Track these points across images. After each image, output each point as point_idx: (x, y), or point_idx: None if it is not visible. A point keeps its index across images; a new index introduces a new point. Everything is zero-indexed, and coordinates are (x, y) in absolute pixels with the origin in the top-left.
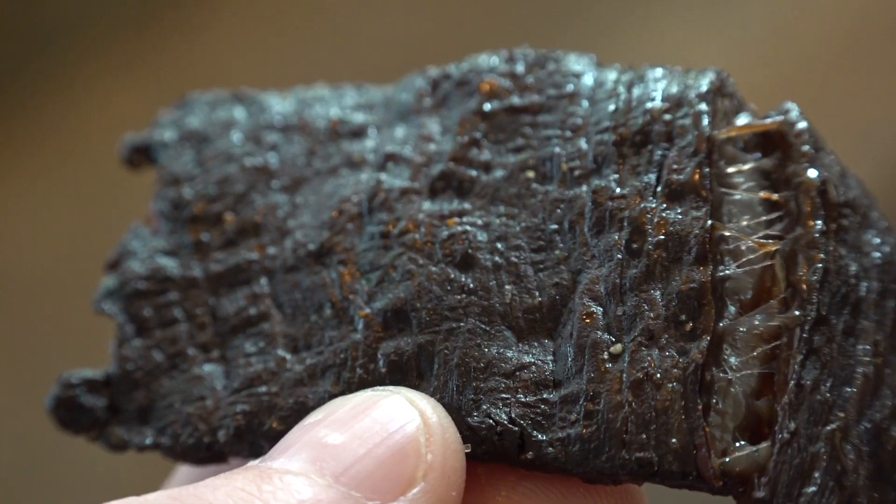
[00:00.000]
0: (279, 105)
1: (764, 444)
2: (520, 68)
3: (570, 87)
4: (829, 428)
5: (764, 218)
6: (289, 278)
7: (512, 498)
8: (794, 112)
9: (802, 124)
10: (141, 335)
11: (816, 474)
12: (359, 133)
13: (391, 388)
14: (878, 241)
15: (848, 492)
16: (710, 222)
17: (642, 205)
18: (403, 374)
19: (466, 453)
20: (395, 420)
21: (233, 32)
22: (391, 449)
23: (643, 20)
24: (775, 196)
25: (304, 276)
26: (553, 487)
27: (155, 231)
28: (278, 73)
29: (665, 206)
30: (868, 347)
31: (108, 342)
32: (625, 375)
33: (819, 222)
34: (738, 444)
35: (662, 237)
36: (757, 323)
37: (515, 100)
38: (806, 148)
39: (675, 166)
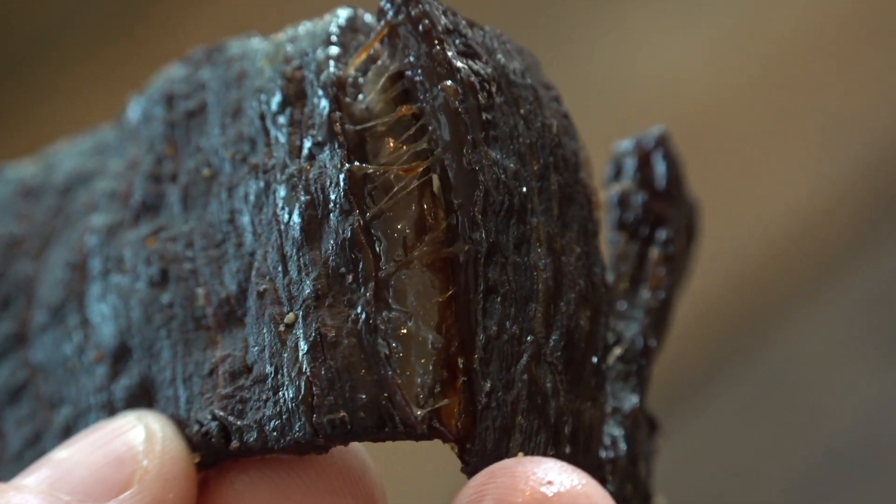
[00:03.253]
0: (25, 172)
1: (462, 379)
2: (190, 70)
3: (230, 73)
4: (521, 364)
5: (406, 135)
6: (42, 339)
7: (230, 493)
8: (390, 11)
9: (398, 17)
10: None
11: (520, 419)
12: (88, 178)
13: (128, 411)
14: (524, 111)
15: (552, 418)
16: (346, 167)
17: (287, 170)
18: (137, 406)
19: (198, 462)
20: (116, 433)
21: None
22: (107, 457)
23: (613, 21)
24: (405, 109)
25: (52, 332)
26: (269, 472)
27: None
28: None
29: (307, 164)
30: (541, 248)
31: None
32: (301, 342)
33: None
34: (430, 382)
35: (308, 197)
36: (427, 250)
37: (191, 103)
38: (411, 41)
39: (310, 121)
